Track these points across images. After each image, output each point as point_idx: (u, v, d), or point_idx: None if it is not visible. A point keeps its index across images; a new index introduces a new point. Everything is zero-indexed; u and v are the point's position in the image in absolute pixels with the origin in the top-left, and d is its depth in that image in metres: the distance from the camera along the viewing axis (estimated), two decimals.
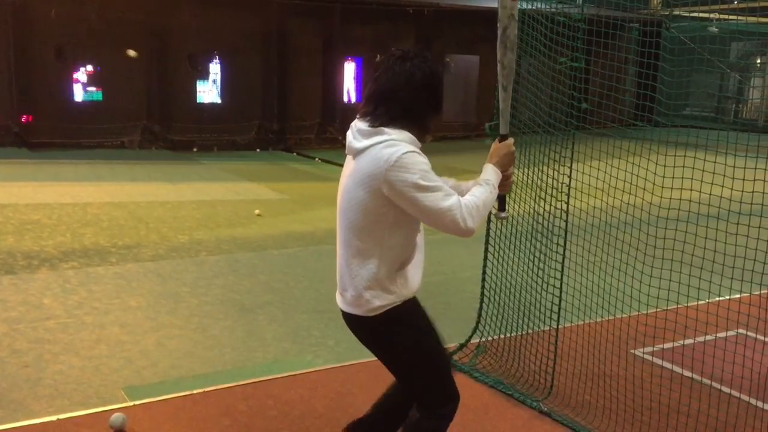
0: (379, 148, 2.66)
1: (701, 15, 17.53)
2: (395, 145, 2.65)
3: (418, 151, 2.70)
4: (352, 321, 2.92)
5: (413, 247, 2.88)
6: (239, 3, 18.94)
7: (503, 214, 3.14)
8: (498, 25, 3.08)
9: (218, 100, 19.87)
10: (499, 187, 2.95)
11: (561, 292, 4.32)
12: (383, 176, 2.62)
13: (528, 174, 4.63)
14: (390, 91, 2.74)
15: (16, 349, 5.09)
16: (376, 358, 3.01)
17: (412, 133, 2.73)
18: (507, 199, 3.15)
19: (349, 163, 2.81)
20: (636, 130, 5.64)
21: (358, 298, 2.82)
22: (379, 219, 2.72)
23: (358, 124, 2.80)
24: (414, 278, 2.89)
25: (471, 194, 2.79)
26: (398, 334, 2.90)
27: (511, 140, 3.04)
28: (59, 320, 5.71)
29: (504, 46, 3.12)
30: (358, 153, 2.74)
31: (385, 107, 2.74)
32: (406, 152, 2.63)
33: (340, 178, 2.88)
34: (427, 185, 2.62)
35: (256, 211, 10.72)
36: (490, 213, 3.15)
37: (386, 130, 2.70)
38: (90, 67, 17.97)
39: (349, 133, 2.82)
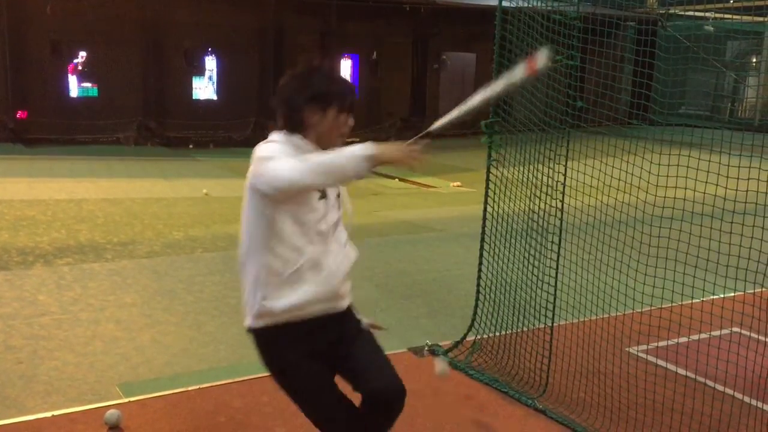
0: None
1: (697, 14, 17.55)
2: (261, 144, 2.73)
3: (281, 142, 2.72)
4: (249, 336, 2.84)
5: (300, 257, 2.68)
6: None
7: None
8: (502, 79, 2.98)
9: (214, 97, 19.85)
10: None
11: (556, 290, 4.33)
12: (250, 170, 2.67)
13: (523, 172, 4.64)
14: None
15: (11, 345, 5.08)
16: None
17: (292, 131, 2.75)
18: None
19: None
20: (631, 129, 5.65)
21: (245, 304, 2.79)
22: (259, 219, 2.69)
23: None
24: (300, 297, 2.70)
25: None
26: (267, 363, 2.82)
27: (419, 143, 2.71)
28: (54, 316, 5.70)
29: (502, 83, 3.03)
30: None
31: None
32: (262, 143, 2.71)
33: None
34: (266, 156, 2.61)
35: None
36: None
37: (271, 135, 2.79)
38: (83, 54, 17.91)
39: None
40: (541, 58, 2.81)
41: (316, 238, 2.72)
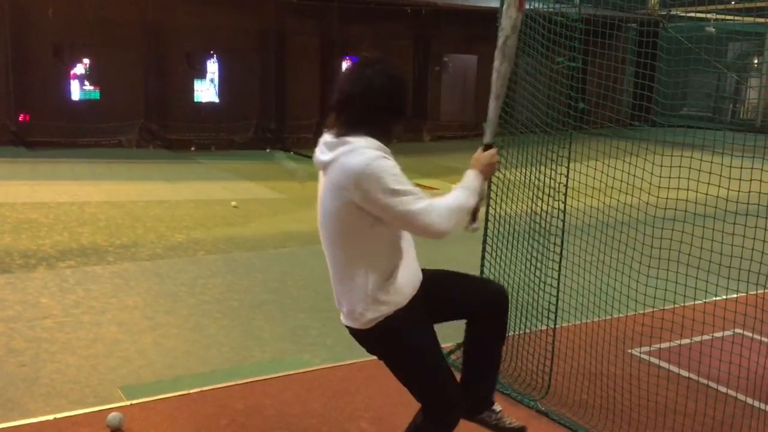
0: (345, 158, 2.61)
1: (698, 15, 17.56)
2: (362, 153, 2.60)
3: (387, 155, 2.65)
4: (353, 334, 2.93)
5: (399, 252, 2.82)
6: (237, 2, 18.92)
7: (474, 225, 3.06)
8: (499, 33, 3.08)
9: (216, 99, 19.85)
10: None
11: (558, 291, 4.32)
12: (353, 186, 2.58)
13: (525, 174, 4.63)
14: (350, 98, 2.70)
15: (13, 348, 5.09)
16: (374, 357, 3.01)
17: (377, 139, 2.67)
18: (479, 210, 3.06)
19: (321, 178, 2.78)
20: (633, 130, 5.65)
21: (352, 312, 2.82)
22: (358, 229, 2.69)
23: (324, 137, 2.76)
24: (405, 283, 2.83)
25: (445, 196, 2.76)
26: (395, 345, 2.89)
27: (494, 150, 3.04)
28: (56, 319, 5.71)
29: (502, 54, 3.12)
30: (326, 166, 2.70)
31: (346, 115, 2.70)
32: (374, 158, 2.59)
33: (318, 194, 2.85)
34: (397, 189, 2.58)
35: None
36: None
37: (349, 138, 2.65)
38: (87, 60, 17.93)
39: (317, 148, 2.78)
40: None
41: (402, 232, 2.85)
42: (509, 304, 3.19)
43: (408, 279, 2.84)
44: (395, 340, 2.87)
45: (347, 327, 2.93)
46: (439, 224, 2.64)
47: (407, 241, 2.90)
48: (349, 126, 2.68)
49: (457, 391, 3.00)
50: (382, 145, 2.68)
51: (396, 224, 2.70)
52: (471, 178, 2.89)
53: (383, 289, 2.77)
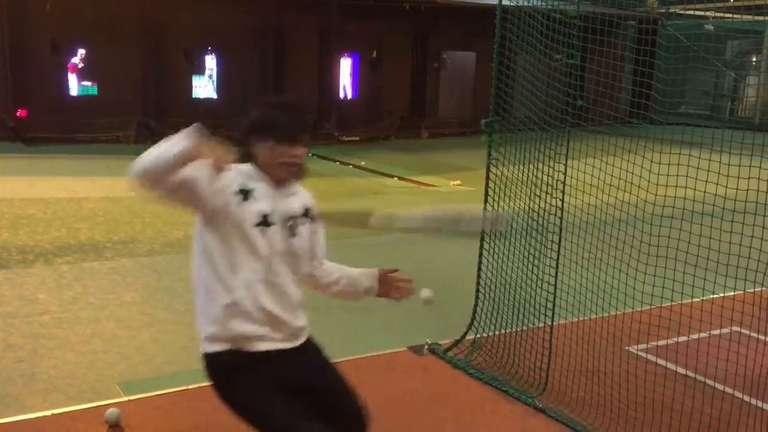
0: None
1: (697, 13, 17.57)
2: None
3: (233, 169, 2.62)
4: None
5: (236, 282, 2.60)
6: None
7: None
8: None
9: (214, 96, 19.83)
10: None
11: (556, 288, 4.33)
12: None
13: (523, 171, 4.64)
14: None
15: (11, 343, 5.09)
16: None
17: (253, 162, 2.73)
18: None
19: None
20: (632, 128, 5.65)
21: (198, 331, 2.69)
22: (197, 240, 2.71)
23: None
24: (243, 327, 2.61)
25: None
26: (223, 393, 2.65)
27: (228, 155, 2.64)
28: (54, 315, 5.70)
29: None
30: None
31: None
32: None
33: None
34: None
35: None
36: None
37: None
38: (83, 52, 17.89)
39: None
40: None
41: (248, 268, 2.63)
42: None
43: (244, 320, 2.61)
44: (222, 386, 2.65)
45: None
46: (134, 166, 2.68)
47: (262, 291, 2.65)
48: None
49: None
50: (240, 165, 2.72)
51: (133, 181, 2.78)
52: (187, 130, 2.73)
53: (218, 311, 2.60)
